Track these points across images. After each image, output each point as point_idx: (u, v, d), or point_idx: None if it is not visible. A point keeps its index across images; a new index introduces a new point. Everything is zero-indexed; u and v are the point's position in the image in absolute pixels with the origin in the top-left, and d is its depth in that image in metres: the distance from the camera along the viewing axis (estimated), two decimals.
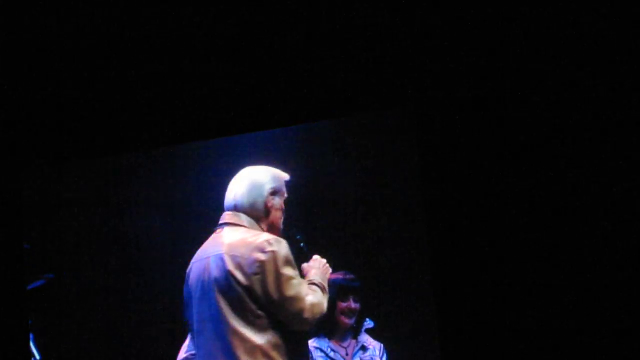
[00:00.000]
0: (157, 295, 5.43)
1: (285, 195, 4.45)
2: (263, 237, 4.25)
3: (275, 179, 4.43)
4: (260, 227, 4.36)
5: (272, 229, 4.38)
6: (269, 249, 4.21)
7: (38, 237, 5.47)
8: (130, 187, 5.47)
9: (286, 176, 4.48)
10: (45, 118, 5.46)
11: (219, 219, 4.40)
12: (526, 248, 5.03)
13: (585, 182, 5.00)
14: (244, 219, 4.36)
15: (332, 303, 4.96)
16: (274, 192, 4.41)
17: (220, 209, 4.43)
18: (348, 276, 5.15)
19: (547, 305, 4.96)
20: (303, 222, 4.86)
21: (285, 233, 4.41)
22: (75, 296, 5.51)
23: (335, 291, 5.02)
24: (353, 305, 5.15)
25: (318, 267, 4.37)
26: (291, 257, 4.23)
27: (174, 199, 5.42)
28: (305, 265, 4.40)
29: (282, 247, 4.23)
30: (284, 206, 4.43)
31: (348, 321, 5.16)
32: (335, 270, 4.62)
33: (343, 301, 5.13)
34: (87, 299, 5.51)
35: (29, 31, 5.42)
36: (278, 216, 4.40)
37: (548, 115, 5.11)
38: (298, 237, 4.47)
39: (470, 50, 5.16)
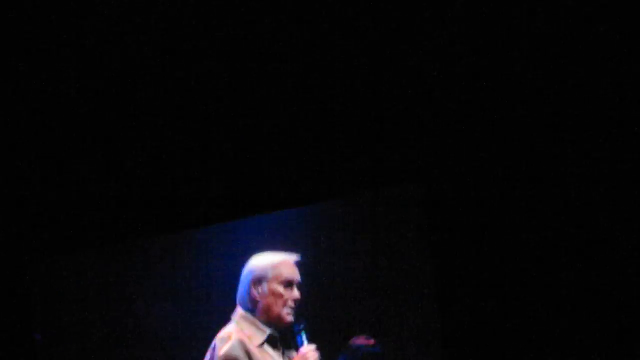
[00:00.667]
0: None
1: (285, 277, 4.38)
2: (218, 336, 4.26)
3: (260, 266, 4.38)
4: (258, 317, 4.36)
5: (270, 317, 4.35)
6: (216, 348, 4.23)
7: (48, 330, 5.44)
8: (139, 275, 5.45)
9: (288, 258, 4.43)
10: (50, 210, 5.45)
11: (228, 308, 4.40)
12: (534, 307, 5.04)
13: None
14: (238, 312, 4.37)
15: None
16: (258, 280, 4.36)
17: (227, 297, 4.42)
18: (370, 341, 5.08)
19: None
20: (312, 302, 4.81)
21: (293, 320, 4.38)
22: None
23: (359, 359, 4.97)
24: None
25: None
26: (233, 356, 4.19)
27: (184, 287, 5.39)
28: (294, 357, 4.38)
29: (223, 347, 4.20)
30: (279, 289, 4.36)
31: None
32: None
33: None
34: None
35: (30, 122, 5.44)
36: (270, 302, 4.34)
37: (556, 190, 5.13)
38: (296, 328, 4.40)
39: (476, 126, 5.19)
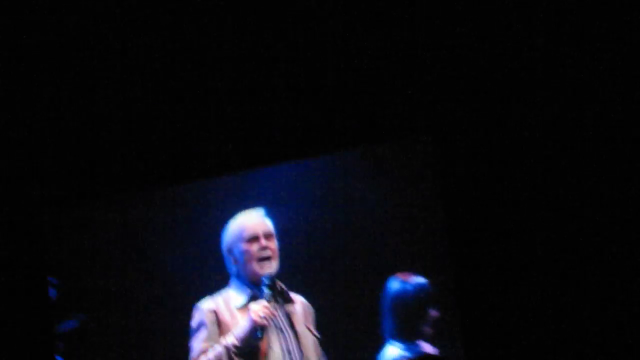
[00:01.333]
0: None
1: (247, 233, 4.53)
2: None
3: (227, 234, 4.58)
4: (243, 280, 4.58)
5: (249, 277, 4.51)
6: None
7: (65, 277, 5.48)
8: (155, 223, 5.47)
9: (249, 215, 4.55)
10: (61, 156, 5.47)
11: None
12: (551, 270, 5.00)
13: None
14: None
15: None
16: (229, 249, 4.61)
17: None
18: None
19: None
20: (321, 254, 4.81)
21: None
22: (107, 337, 5.50)
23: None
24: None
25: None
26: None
27: (201, 235, 5.42)
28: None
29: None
30: (245, 247, 4.50)
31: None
32: None
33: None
34: (118, 340, 5.50)
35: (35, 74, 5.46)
36: (243, 262, 4.48)
37: (570, 140, 5.09)
38: (263, 281, 4.43)
39: (491, 79, 5.17)
